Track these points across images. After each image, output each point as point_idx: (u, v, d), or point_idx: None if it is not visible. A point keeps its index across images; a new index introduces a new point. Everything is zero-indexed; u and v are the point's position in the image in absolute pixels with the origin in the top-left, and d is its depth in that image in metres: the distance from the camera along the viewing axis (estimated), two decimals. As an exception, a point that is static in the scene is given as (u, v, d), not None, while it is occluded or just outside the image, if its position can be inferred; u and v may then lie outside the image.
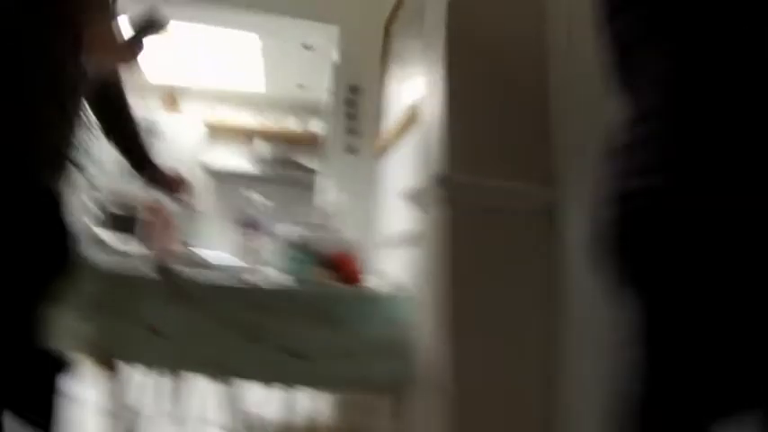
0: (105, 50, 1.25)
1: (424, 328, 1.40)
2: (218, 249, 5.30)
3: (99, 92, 1.45)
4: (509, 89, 1.43)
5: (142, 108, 5.07)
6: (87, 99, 1.33)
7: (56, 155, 1.19)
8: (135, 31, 1.41)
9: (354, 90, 3.26)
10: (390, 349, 1.44)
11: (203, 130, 5.71)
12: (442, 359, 1.31)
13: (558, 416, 1.29)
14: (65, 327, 1.41)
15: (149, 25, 1.44)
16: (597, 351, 1.25)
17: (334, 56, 3.49)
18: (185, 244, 5.16)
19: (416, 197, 1.49)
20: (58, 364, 1.27)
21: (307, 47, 4.26)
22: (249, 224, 1.70)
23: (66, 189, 1.23)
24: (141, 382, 1.70)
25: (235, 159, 5.69)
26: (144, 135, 1.67)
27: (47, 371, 1.27)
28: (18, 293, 1.23)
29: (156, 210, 1.60)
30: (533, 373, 1.32)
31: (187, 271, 1.79)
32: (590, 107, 1.35)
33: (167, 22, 1.46)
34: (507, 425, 1.30)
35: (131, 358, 1.47)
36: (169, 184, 1.70)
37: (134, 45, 1.40)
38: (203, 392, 2.80)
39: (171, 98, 5.81)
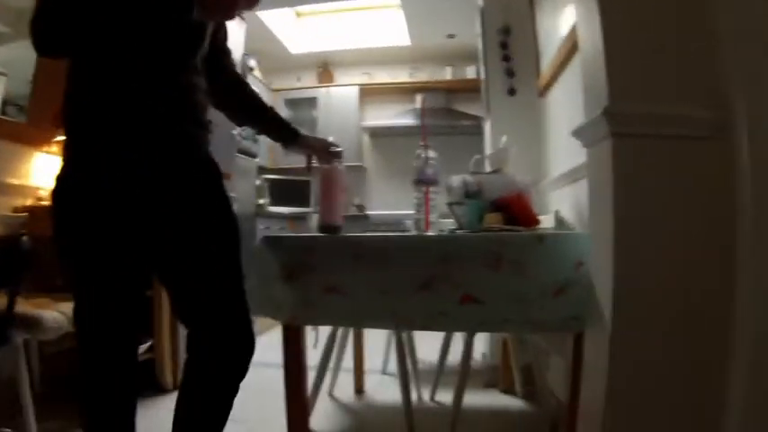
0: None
1: (597, 265, 1.37)
2: (388, 206, 5.58)
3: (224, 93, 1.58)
4: (667, 6, 1.30)
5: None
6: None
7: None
8: None
9: (506, 31, 3.17)
10: (566, 289, 1.42)
11: (359, 93, 5.94)
12: (605, 293, 1.27)
13: (735, 350, 1.19)
14: (261, 296, 1.59)
15: None
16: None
17: (480, 0, 3.41)
18: (357, 205, 5.48)
19: (582, 132, 1.44)
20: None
21: (449, -5, 4.19)
22: (421, 178, 1.75)
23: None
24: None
25: (395, 116, 5.83)
26: (274, 114, 1.71)
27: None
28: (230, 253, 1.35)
29: (328, 174, 1.68)
30: (705, 309, 1.23)
31: (360, 229, 1.92)
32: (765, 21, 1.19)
33: None
34: (672, 365, 1.24)
35: (316, 319, 1.58)
36: (317, 150, 1.76)
37: None
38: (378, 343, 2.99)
39: (324, 70, 6.11)
